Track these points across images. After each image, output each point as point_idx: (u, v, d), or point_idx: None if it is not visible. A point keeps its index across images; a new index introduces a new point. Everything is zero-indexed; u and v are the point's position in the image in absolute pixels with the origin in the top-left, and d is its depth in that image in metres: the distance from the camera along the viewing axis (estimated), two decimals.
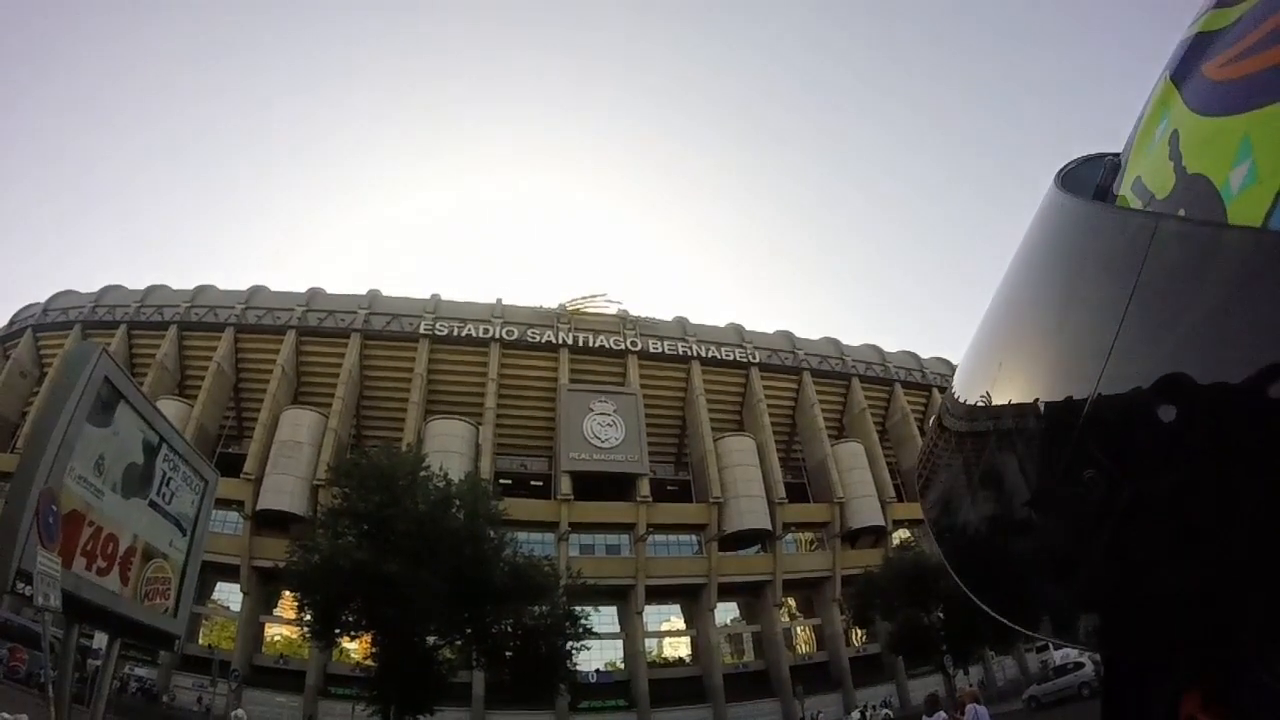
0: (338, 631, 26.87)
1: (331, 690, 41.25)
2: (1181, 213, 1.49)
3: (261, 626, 46.70)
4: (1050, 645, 35.01)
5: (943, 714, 12.61)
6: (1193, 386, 1.30)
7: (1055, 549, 2.08)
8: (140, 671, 40.14)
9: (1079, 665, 29.20)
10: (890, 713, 39.59)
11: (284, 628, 45.73)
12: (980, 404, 2.55)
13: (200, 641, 43.63)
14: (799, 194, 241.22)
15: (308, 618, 26.63)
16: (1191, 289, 1.36)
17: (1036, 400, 2.05)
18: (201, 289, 56.85)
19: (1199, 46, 1.68)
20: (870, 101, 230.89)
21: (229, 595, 46.50)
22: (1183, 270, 1.39)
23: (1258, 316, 1.13)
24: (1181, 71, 1.74)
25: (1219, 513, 1.30)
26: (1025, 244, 2.41)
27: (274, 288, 57.25)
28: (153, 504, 7.51)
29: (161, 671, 40.48)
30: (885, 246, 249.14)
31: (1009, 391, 2.27)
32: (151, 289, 57.00)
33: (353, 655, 35.42)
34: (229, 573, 44.16)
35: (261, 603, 45.84)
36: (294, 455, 46.80)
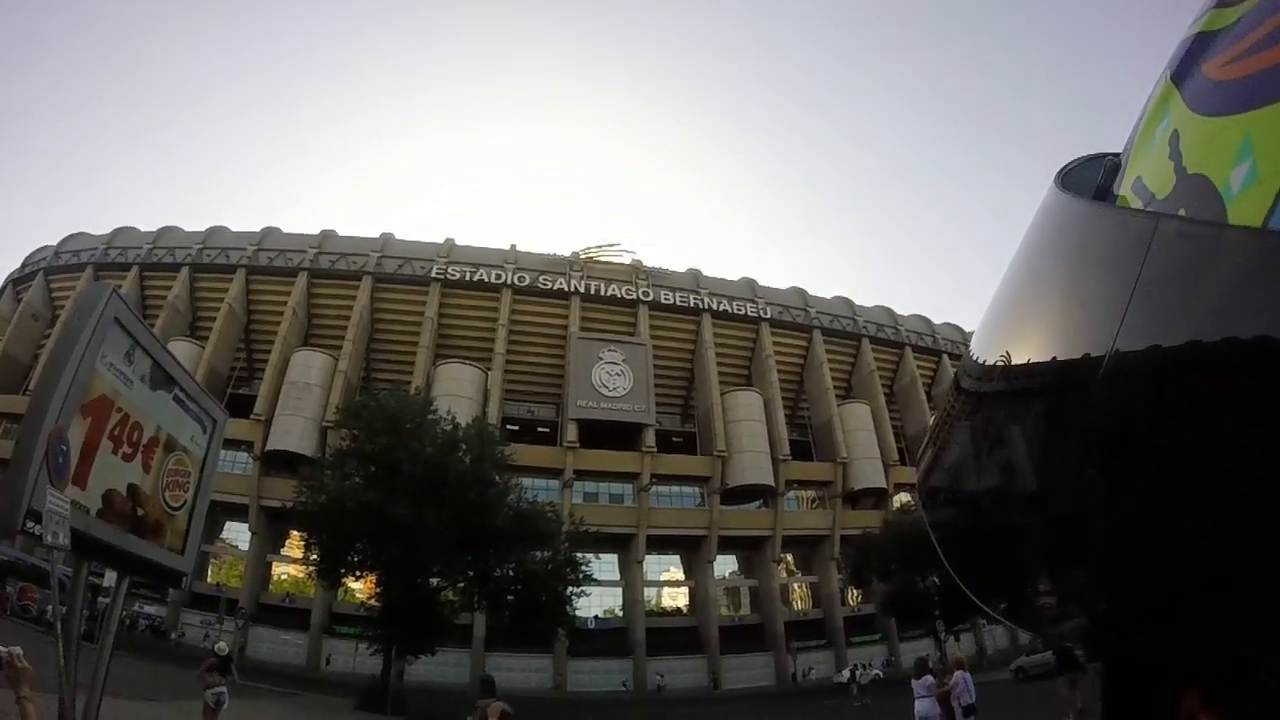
0: (343, 571, 27.40)
1: (336, 629, 42.11)
2: (1182, 212, 1.48)
3: (269, 565, 47.62)
4: None
5: (930, 678, 12.82)
6: (1193, 386, 1.31)
7: (1050, 542, 2.10)
8: (149, 609, 41.21)
9: None
10: (880, 673, 40.08)
11: (291, 567, 46.78)
12: (983, 397, 2.56)
13: (208, 580, 44.65)
14: (820, 153, 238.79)
15: (314, 557, 27.21)
16: (1192, 288, 1.35)
17: (1037, 397, 2.06)
18: (214, 230, 56.79)
19: (1199, 46, 1.66)
20: (894, 69, 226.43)
21: (237, 534, 47.41)
22: (1183, 270, 1.38)
23: (1258, 316, 1.13)
24: (1182, 71, 1.71)
25: (1218, 511, 1.32)
26: (1026, 243, 2.38)
27: (286, 230, 57.13)
28: (176, 399, 7.66)
29: (170, 609, 41.56)
30: (903, 209, 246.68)
31: (1011, 386, 2.28)
32: (164, 230, 57.06)
33: (357, 595, 36.12)
34: (238, 512, 44.94)
35: (269, 542, 46.71)
36: (303, 397, 47.20)
